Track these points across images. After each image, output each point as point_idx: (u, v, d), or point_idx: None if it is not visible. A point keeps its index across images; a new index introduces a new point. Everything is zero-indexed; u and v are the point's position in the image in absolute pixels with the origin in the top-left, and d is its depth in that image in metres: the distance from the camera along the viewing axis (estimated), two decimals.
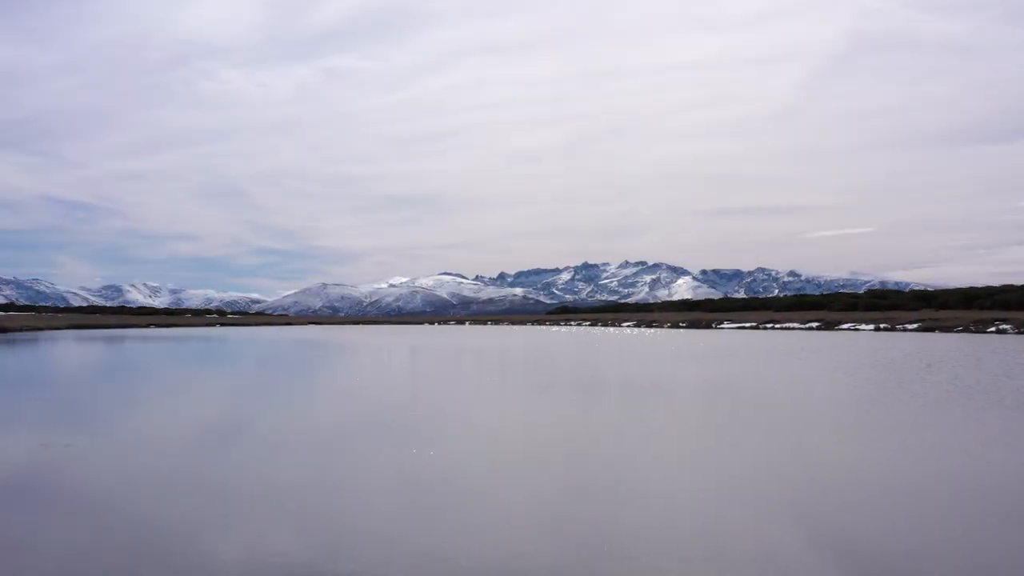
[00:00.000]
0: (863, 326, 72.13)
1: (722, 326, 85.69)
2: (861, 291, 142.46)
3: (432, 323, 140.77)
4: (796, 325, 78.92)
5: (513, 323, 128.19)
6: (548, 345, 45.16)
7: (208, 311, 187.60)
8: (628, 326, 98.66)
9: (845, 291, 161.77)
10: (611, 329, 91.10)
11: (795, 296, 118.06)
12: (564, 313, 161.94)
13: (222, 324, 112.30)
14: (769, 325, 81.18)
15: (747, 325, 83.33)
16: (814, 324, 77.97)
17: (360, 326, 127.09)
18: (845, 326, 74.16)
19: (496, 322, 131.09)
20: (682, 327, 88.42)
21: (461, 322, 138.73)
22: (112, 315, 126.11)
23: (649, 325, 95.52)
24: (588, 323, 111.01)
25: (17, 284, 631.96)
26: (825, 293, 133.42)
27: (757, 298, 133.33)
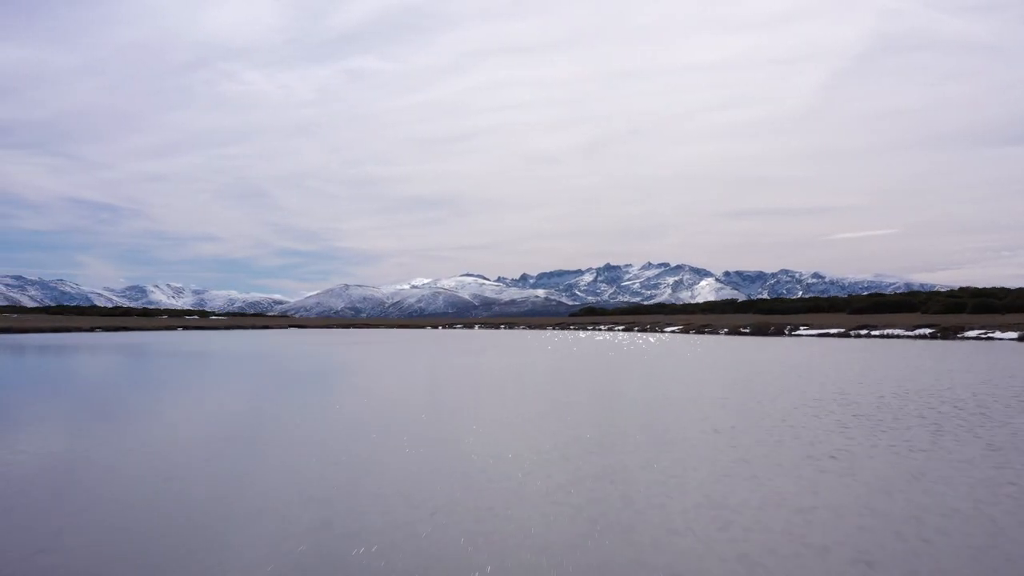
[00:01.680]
0: (1001, 334, 52.24)
1: (798, 333, 65.95)
2: (887, 292, 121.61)
3: (436, 327, 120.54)
4: (901, 332, 58.93)
5: (531, 327, 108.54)
6: (589, 370, 26.06)
7: (189, 312, 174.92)
8: (672, 331, 79.21)
9: (869, 292, 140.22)
10: (654, 336, 71.79)
11: (871, 295, 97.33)
12: (590, 315, 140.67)
13: (186, 327, 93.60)
14: (863, 332, 61.30)
15: (832, 332, 63.51)
16: (926, 330, 57.99)
17: (350, 330, 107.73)
18: (971, 333, 54.25)
19: (511, 325, 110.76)
20: (745, 333, 68.83)
21: (470, 325, 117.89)
22: (70, 316, 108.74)
23: (700, 331, 75.92)
24: (621, 327, 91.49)
25: (42, 284, 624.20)
26: (896, 292, 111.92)
27: (822, 298, 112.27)
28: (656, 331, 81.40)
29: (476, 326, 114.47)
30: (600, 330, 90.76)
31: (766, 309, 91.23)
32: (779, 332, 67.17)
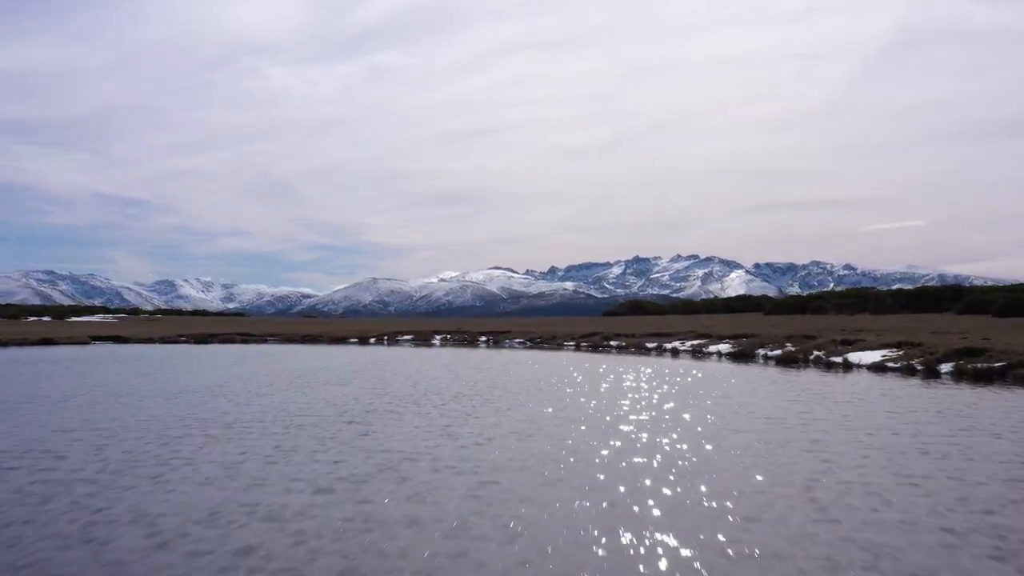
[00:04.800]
0: None
1: None
2: (920, 284, 70.63)
3: (367, 339, 64.82)
4: None
5: (532, 341, 57.11)
6: None
7: (105, 309, 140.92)
8: (876, 362, 29.30)
9: (904, 285, 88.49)
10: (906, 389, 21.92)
11: None
12: (640, 313, 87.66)
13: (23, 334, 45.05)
14: None
15: None
16: None
17: (258, 347, 57.56)
18: None
19: (498, 338, 54.37)
20: None
21: (425, 336, 58.33)
22: None
23: (964, 363, 26.04)
24: (723, 346, 41.99)
25: (73, 279, 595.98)
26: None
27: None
28: (823, 357, 31.52)
29: (435, 337, 57.64)
30: (675, 354, 41.44)
31: (967, 304, 41.36)
32: None
